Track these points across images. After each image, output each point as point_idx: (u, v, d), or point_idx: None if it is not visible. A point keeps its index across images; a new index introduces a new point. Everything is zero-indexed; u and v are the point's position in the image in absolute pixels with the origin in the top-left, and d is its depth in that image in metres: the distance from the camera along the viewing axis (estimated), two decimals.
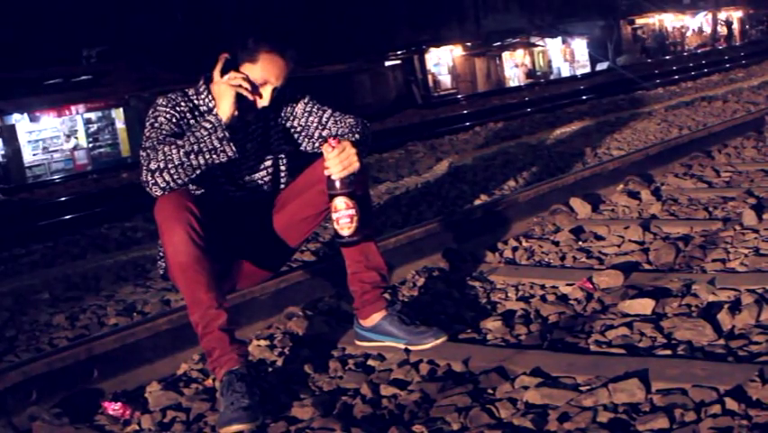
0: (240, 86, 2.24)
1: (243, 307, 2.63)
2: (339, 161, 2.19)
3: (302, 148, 2.56)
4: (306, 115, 2.51)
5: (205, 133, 2.19)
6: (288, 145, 2.57)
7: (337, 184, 2.21)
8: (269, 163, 2.55)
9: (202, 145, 2.18)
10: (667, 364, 2.01)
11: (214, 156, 2.20)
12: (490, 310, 2.71)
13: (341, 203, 2.22)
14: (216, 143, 2.19)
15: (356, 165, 2.21)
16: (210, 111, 2.34)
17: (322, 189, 2.37)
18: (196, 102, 2.37)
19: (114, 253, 4.65)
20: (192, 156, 2.17)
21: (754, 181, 4.18)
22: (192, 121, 2.34)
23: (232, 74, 2.25)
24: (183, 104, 2.35)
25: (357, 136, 2.36)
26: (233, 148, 2.22)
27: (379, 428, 1.92)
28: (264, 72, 2.30)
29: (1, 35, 16.00)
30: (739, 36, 41.92)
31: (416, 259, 3.22)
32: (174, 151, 2.16)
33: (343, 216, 2.23)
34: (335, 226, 2.26)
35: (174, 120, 2.29)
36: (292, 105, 2.52)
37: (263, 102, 2.33)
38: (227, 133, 2.20)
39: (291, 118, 2.53)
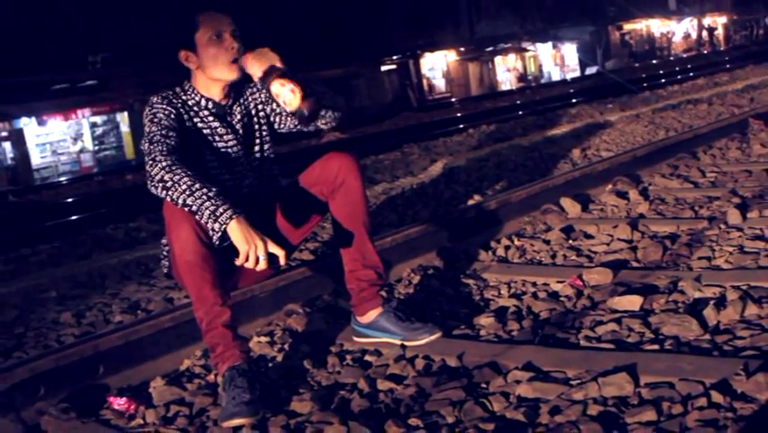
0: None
1: (244, 304, 2.66)
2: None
3: (281, 129, 2.62)
4: None
5: (210, 210, 2.10)
6: (272, 134, 2.64)
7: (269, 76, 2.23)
8: (258, 156, 2.59)
9: (202, 208, 2.10)
10: (655, 359, 2.04)
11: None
12: (484, 307, 2.74)
13: (276, 87, 2.23)
14: (211, 219, 2.11)
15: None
16: (197, 103, 2.47)
17: (321, 190, 2.44)
18: (184, 98, 2.48)
19: (119, 252, 4.64)
20: (189, 201, 2.11)
21: (738, 181, 4.21)
22: (185, 117, 2.44)
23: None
24: (175, 100, 2.45)
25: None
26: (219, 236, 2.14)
27: (376, 421, 1.94)
28: (212, 25, 2.41)
29: (10, 41, 15.98)
30: (724, 41, 41.99)
31: (412, 257, 3.25)
32: (186, 181, 2.13)
33: (286, 92, 2.22)
34: (287, 110, 2.25)
35: (173, 116, 2.38)
36: (262, 92, 2.58)
37: (237, 45, 2.41)
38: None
39: (266, 103, 2.59)
